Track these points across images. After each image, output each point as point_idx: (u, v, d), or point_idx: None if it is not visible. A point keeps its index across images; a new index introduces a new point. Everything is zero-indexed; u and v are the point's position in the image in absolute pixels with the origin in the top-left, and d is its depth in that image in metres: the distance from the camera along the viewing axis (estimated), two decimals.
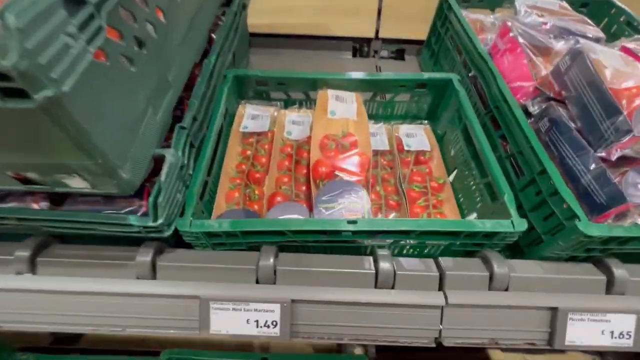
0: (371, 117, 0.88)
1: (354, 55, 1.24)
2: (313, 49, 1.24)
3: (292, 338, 0.53)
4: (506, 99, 0.67)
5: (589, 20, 0.84)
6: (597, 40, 0.78)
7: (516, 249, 0.64)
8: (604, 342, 0.53)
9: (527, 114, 0.68)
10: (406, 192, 0.72)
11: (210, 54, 0.69)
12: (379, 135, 0.85)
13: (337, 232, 0.53)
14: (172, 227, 0.50)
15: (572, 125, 0.58)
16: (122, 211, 0.51)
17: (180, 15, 0.58)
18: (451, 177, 0.76)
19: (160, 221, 0.46)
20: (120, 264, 0.53)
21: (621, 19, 0.99)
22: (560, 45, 0.66)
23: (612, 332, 0.53)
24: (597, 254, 0.56)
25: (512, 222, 0.51)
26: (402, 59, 1.25)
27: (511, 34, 0.74)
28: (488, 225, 0.51)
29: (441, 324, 0.53)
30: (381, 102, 0.85)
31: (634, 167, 0.50)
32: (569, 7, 0.93)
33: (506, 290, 0.53)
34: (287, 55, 1.23)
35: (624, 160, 0.51)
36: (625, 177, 0.48)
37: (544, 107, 0.63)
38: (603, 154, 0.50)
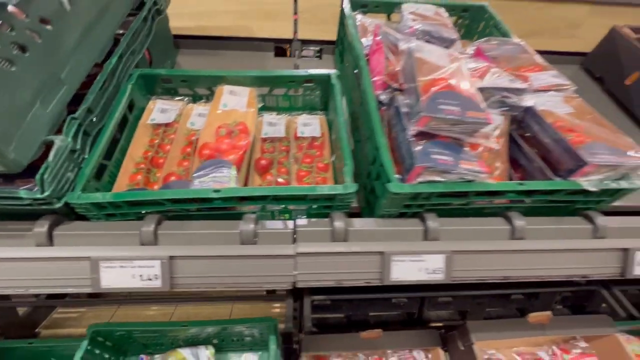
0: (274, 109, 1.01)
1: (277, 55, 1.37)
2: (239, 50, 1.36)
3: (172, 288, 0.65)
4: (366, 91, 0.81)
5: (450, 25, 1.00)
6: (450, 41, 0.94)
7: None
8: (421, 277, 0.68)
9: (383, 103, 0.82)
10: (297, 172, 0.85)
11: (112, 55, 0.79)
12: (278, 125, 0.97)
13: (207, 200, 0.65)
14: (63, 201, 0.61)
15: (404, 110, 0.73)
16: (19, 189, 0.60)
17: (72, 23, 0.68)
18: (333, 158, 0.90)
19: (47, 193, 0.57)
20: (21, 234, 0.63)
21: (491, 23, 1.17)
22: (403, 46, 0.80)
23: (427, 269, 0.68)
24: (418, 210, 0.71)
25: (344, 187, 0.65)
26: (321, 58, 1.39)
27: (377, 37, 0.88)
28: (325, 189, 0.65)
29: (295, 270, 0.66)
30: (280, 95, 0.98)
31: (432, 140, 0.64)
32: (443, 13, 1.09)
33: (345, 240, 0.67)
34: (214, 55, 1.34)
35: (426, 135, 0.65)
36: (420, 148, 0.62)
37: (390, 97, 0.78)
38: (410, 131, 0.64)
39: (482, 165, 0.63)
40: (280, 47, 1.42)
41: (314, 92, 0.97)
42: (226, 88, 0.86)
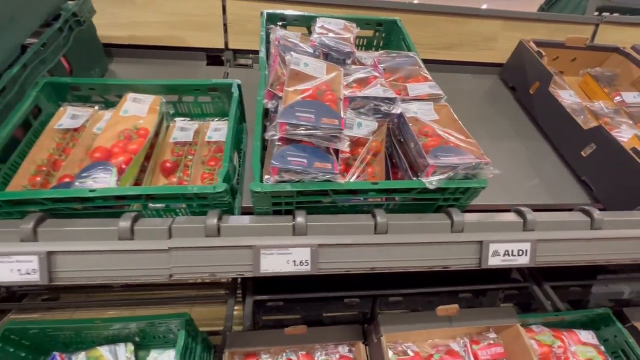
0: (187, 115, 1.07)
1: (209, 64, 1.43)
2: (172, 59, 1.42)
3: (50, 282, 0.69)
4: (258, 99, 0.88)
5: (350, 39, 1.08)
6: (346, 53, 1.02)
7: None
8: (289, 268, 0.74)
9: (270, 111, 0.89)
10: (200, 174, 0.91)
11: (14, 65, 0.84)
12: (188, 130, 1.04)
13: (87, 199, 0.70)
14: None
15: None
16: None
17: None
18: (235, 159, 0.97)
19: None
20: None
21: (401, 37, 1.27)
22: (287, 58, 0.87)
23: (294, 261, 0.74)
24: (290, 207, 0.77)
25: (214, 187, 0.72)
26: (252, 67, 1.47)
27: (272, 50, 0.96)
28: (195, 189, 0.71)
29: (170, 263, 0.72)
30: (190, 102, 1.04)
31: (294, 144, 0.72)
32: (352, 27, 1.18)
33: (218, 236, 0.73)
34: (148, 64, 1.40)
35: (292, 140, 0.73)
36: (279, 150, 0.70)
37: (276, 105, 0.85)
38: (273, 135, 0.72)
39: (336, 166, 0.70)
40: (218, 57, 1.49)
41: (225, 100, 1.03)
42: (130, 96, 0.92)
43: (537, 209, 1.10)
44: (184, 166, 0.96)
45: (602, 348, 1.44)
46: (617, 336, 1.40)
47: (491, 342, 1.29)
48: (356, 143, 0.86)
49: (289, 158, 0.68)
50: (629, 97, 1.42)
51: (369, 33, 1.34)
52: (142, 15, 1.35)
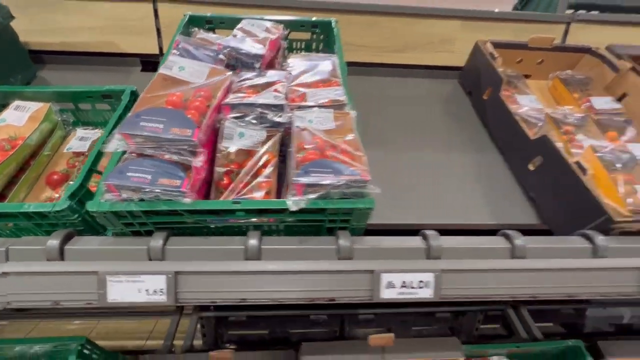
0: (90, 123, 1.01)
1: (143, 69, 1.38)
2: (106, 65, 1.37)
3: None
4: None
5: (267, 42, 0.99)
6: (255, 56, 0.93)
7: None
8: (141, 298, 0.65)
9: None
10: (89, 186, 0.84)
11: None
12: (87, 140, 0.97)
13: None
14: None
15: None
16: None
17: None
18: None
19: None
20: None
21: (332, 39, 1.17)
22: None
23: (147, 290, 0.65)
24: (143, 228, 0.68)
25: (54, 205, 0.64)
26: None
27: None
28: (32, 207, 0.63)
29: (7, 290, 0.65)
30: (89, 110, 0.98)
31: (144, 157, 0.63)
32: (275, 29, 1.09)
33: (62, 260, 0.65)
34: (80, 71, 1.35)
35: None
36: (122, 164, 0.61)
37: None
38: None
39: (186, 183, 0.61)
40: (153, 62, 1.43)
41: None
42: (14, 104, 0.86)
43: (473, 229, 0.98)
44: (75, 177, 0.90)
45: None
46: None
47: None
48: (248, 155, 0.77)
49: (129, 174, 0.60)
50: (599, 102, 1.26)
51: (307, 36, 1.25)
52: (75, 20, 1.31)
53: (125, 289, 0.65)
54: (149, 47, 1.35)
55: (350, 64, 1.42)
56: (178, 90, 0.69)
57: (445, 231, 0.75)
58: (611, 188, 0.88)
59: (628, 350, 1.28)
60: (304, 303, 0.68)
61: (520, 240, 0.72)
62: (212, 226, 0.71)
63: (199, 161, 0.61)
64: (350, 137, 0.73)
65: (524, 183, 1.03)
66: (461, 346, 1.12)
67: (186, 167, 0.65)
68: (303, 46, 1.27)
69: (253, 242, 0.67)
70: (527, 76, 1.47)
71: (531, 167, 1.01)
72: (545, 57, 1.38)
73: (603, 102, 1.26)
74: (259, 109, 0.74)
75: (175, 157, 0.61)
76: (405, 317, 2.10)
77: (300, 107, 0.79)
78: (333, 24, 1.18)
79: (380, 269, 0.68)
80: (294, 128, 0.73)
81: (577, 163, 0.85)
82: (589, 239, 0.75)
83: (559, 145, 0.93)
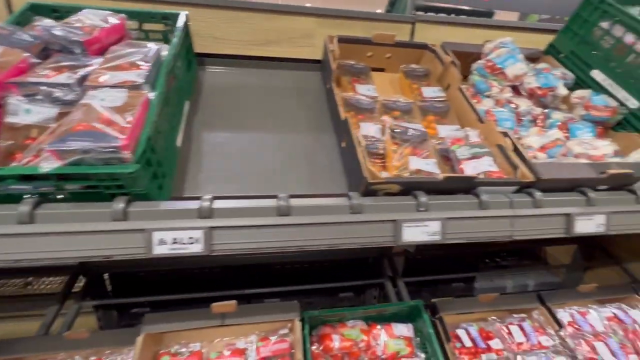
0: None
1: None
2: None
3: None
4: None
5: (95, 30, 1.06)
6: (75, 43, 0.99)
7: None
8: None
9: None
10: None
11: None
12: None
13: None
14: None
15: None
16: None
17: None
18: None
19: None
20: None
21: (188, 31, 1.25)
22: None
23: None
24: None
25: None
26: None
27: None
28: None
29: None
30: None
31: None
32: (121, 19, 1.16)
33: None
34: None
35: None
36: None
37: None
38: None
39: None
40: None
41: None
42: None
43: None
44: None
45: (416, 340, 1.44)
46: (423, 328, 1.41)
47: (281, 337, 1.27)
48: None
49: None
50: (428, 92, 1.45)
51: (162, 27, 1.33)
52: None
53: None
54: None
55: (213, 56, 1.53)
56: None
57: None
58: (391, 158, 1.05)
59: (458, 306, 1.48)
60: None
61: (284, 201, 0.85)
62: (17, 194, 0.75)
63: None
64: (129, 114, 0.81)
65: (341, 159, 1.18)
66: (298, 309, 1.25)
67: None
68: (161, 37, 1.34)
69: (24, 208, 0.73)
70: (381, 69, 1.65)
71: (343, 145, 1.16)
72: (392, 52, 1.56)
73: (431, 92, 1.45)
74: (47, 87, 0.80)
75: None
76: (310, 299, 2.22)
77: (95, 87, 0.86)
78: (181, 16, 1.27)
79: (152, 228, 0.77)
80: (78, 104, 0.80)
81: (357, 137, 0.99)
82: (349, 198, 0.90)
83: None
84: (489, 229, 0.95)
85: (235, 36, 1.49)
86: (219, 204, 0.82)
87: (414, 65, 1.58)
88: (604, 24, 1.36)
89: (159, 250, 0.78)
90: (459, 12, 1.92)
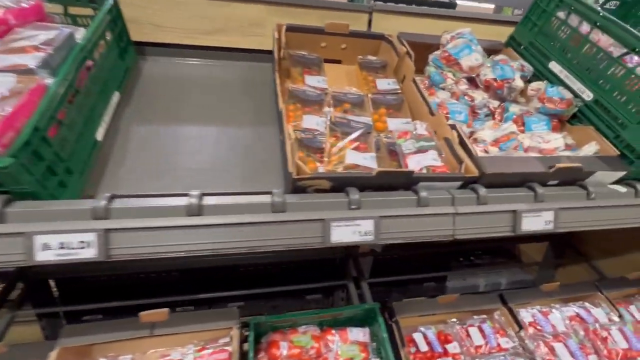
0: None
1: None
2: None
3: None
4: None
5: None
6: None
7: None
8: None
9: None
10: None
11: None
12: None
13: None
14: None
15: None
16: None
17: None
18: None
19: None
20: None
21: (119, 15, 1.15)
22: None
23: None
24: None
25: None
26: None
27: None
28: None
29: None
30: None
31: None
32: (33, 2, 1.05)
33: None
34: None
35: None
36: None
37: None
38: None
39: None
40: None
41: None
42: None
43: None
44: None
45: (372, 346, 1.37)
46: (378, 332, 1.34)
47: (221, 347, 1.18)
48: None
49: None
50: (383, 83, 1.38)
51: (91, 11, 1.22)
52: None
53: None
54: None
55: (156, 45, 1.43)
56: None
57: None
58: (329, 153, 0.97)
59: (417, 308, 1.42)
60: None
61: (195, 199, 0.76)
62: None
63: None
64: (13, 101, 0.71)
65: (281, 154, 1.10)
66: (237, 316, 1.16)
67: None
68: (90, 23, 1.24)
69: None
70: (338, 61, 1.57)
71: (281, 138, 1.08)
72: (348, 43, 1.48)
73: (385, 84, 1.38)
74: None
75: None
76: (275, 302, 2.13)
77: None
78: (112, 0, 1.17)
79: (33, 231, 0.68)
80: None
81: (287, 130, 0.91)
82: (272, 195, 0.82)
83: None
84: (428, 228, 0.88)
85: (179, 24, 1.39)
86: (118, 203, 0.73)
87: (370, 57, 1.50)
88: (561, 14, 1.31)
89: (43, 257, 0.68)
90: (421, 2, 1.86)
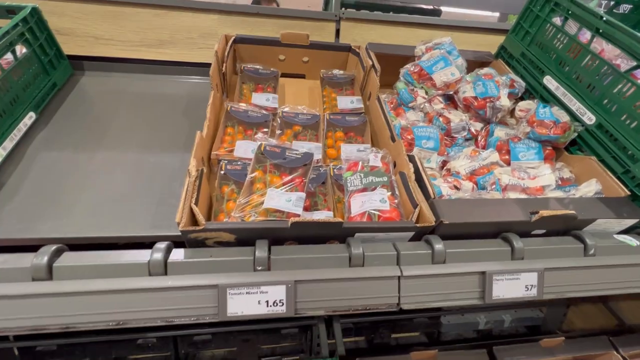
0: None
1: None
2: None
3: None
4: None
5: None
6: None
7: None
8: None
9: None
10: None
11: None
12: None
13: None
14: None
15: None
16: None
17: None
18: None
19: None
20: None
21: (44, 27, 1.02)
22: None
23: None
24: None
25: None
26: None
27: None
28: None
29: None
30: None
31: None
32: None
33: None
34: None
35: None
36: None
37: None
38: None
39: None
40: None
41: None
42: None
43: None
44: None
45: None
46: None
47: None
48: None
49: None
50: (345, 102, 1.19)
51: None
52: None
53: None
54: None
55: (95, 59, 1.29)
56: None
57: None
58: (249, 192, 0.78)
59: (517, 352, 1.20)
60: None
61: (45, 256, 0.58)
62: None
63: None
64: None
65: None
66: None
67: None
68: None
69: None
70: (301, 75, 1.39)
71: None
72: (311, 55, 1.31)
73: (348, 102, 1.19)
74: None
75: None
76: (248, 336, 1.94)
77: None
78: (25, 9, 1.03)
79: None
80: None
81: (190, 165, 0.73)
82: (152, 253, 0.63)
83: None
84: (364, 295, 0.68)
85: (120, 36, 1.26)
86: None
87: (336, 71, 1.32)
88: (557, 20, 1.09)
89: None
90: (400, 10, 1.67)
